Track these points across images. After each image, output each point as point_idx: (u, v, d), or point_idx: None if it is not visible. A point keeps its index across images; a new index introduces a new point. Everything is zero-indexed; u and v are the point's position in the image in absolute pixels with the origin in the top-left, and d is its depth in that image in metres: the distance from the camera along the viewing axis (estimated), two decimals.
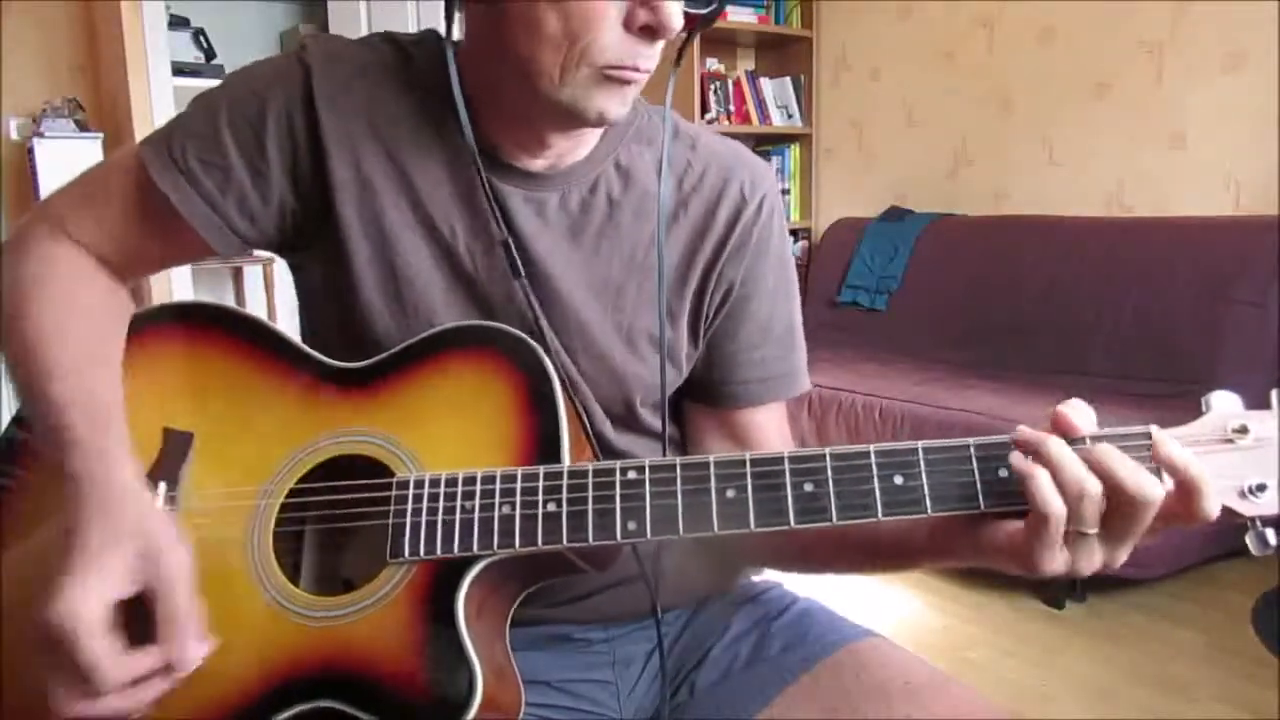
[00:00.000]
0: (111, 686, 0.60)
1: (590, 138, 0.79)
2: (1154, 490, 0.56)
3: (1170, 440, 0.58)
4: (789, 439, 0.89)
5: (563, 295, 0.77)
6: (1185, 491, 0.57)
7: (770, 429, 0.87)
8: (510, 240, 0.74)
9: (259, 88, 0.75)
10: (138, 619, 0.62)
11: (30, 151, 2.94)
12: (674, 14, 0.65)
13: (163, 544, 0.63)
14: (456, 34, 0.74)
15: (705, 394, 0.85)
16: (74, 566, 0.61)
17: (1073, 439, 0.59)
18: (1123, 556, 0.59)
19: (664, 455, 0.81)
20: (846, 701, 0.75)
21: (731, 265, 0.82)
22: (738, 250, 0.81)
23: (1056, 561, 0.58)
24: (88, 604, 0.59)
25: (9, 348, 0.73)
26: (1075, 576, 0.60)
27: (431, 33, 0.79)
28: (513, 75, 0.70)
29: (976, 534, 0.63)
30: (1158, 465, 0.58)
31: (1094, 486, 0.56)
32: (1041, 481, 0.57)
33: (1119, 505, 0.57)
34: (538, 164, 0.77)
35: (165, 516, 0.65)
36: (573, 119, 0.71)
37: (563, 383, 0.69)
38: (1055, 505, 0.56)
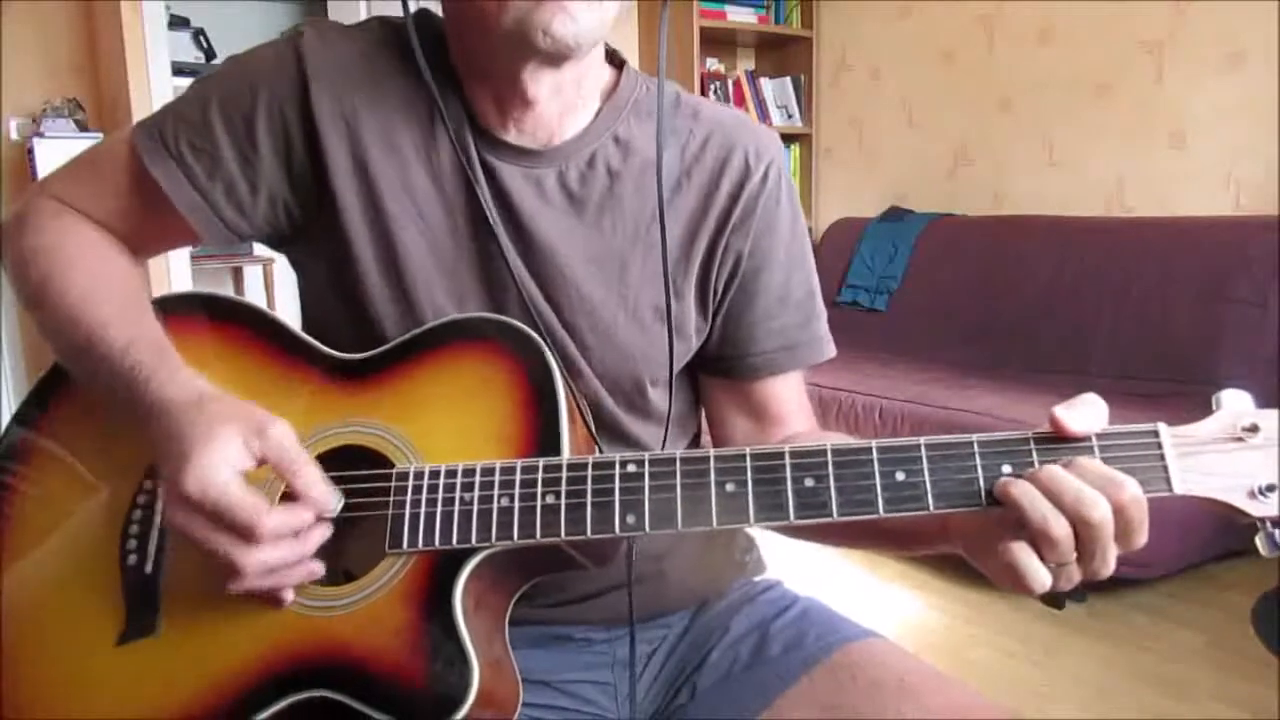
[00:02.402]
0: (271, 531, 0.60)
1: (578, 103, 0.78)
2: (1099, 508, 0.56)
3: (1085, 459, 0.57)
4: (809, 409, 0.88)
5: (565, 272, 0.77)
6: (1116, 503, 0.56)
7: (791, 399, 0.86)
8: (502, 241, 0.73)
9: (252, 75, 0.75)
10: None
11: (30, 151, 2.94)
12: None
13: (263, 418, 0.64)
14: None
15: (725, 368, 0.85)
16: (191, 451, 0.61)
17: (1077, 441, 0.59)
18: (1107, 568, 0.58)
19: (665, 434, 0.82)
20: (846, 701, 0.75)
21: (738, 236, 0.81)
22: (743, 221, 0.81)
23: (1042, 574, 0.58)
24: (219, 470, 0.60)
25: (47, 313, 0.73)
26: (1059, 590, 0.59)
27: (423, 13, 0.79)
28: (470, 23, 0.71)
29: (976, 540, 0.63)
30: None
31: (1061, 529, 0.56)
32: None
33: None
34: (529, 137, 0.77)
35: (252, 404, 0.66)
36: (528, 46, 0.69)
37: (563, 374, 0.69)
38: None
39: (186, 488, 0.60)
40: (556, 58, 0.70)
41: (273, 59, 0.75)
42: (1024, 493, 0.57)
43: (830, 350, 0.87)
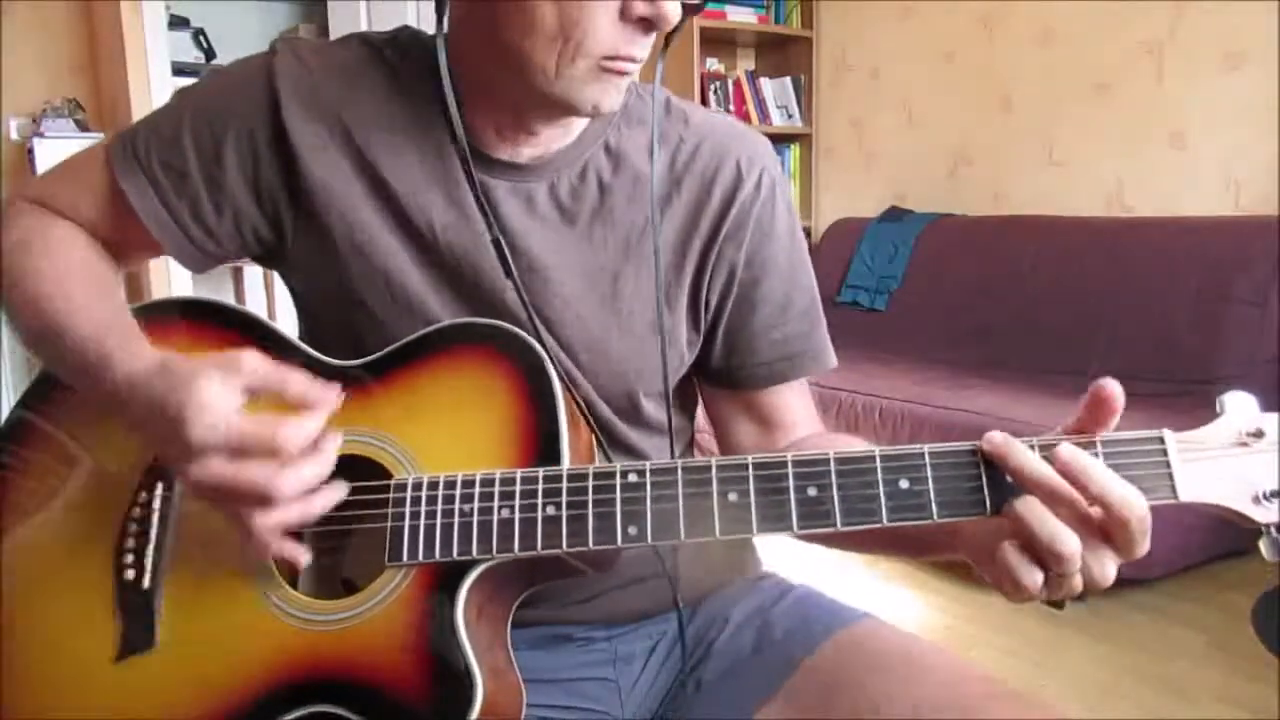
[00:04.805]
0: (296, 441, 0.59)
1: (578, 123, 0.78)
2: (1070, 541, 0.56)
3: (1068, 450, 0.57)
4: (815, 416, 0.88)
5: (557, 287, 0.77)
6: (1103, 505, 0.57)
7: (798, 407, 0.86)
8: (500, 239, 0.73)
9: (225, 96, 0.75)
10: None
11: (30, 151, 2.94)
12: (671, 4, 0.65)
13: (228, 354, 0.62)
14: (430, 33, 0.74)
15: (727, 378, 0.85)
16: (180, 408, 0.60)
17: (1084, 443, 0.58)
18: (1106, 578, 0.58)
19: (671, 448, 0.81)
20: (853, 678, 0.75)
21: (731, 246, 0.80)
22: (737, 230, 0.80)
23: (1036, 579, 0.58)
24: (216, 408, 0.59)
25: (19, 309, 0.73)
26: (1055, 598, 0.60)
27: (406, 30, 0.78)
28: (504, 68, 0.70)
29: (987, 544, 0.63)
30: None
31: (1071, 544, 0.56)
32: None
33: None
34: (524, 154, 0.77)
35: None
36: (566, 111, 0.71)
37: (561, 379, 0.69)
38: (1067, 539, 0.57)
39: (195, 437, 0.59)
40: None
41: (245, 81, 0.75)
42: (1029, 509, 0.57)
43: (832, 360, 0.87)
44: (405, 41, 0.77)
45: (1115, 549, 0.57)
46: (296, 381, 0.62)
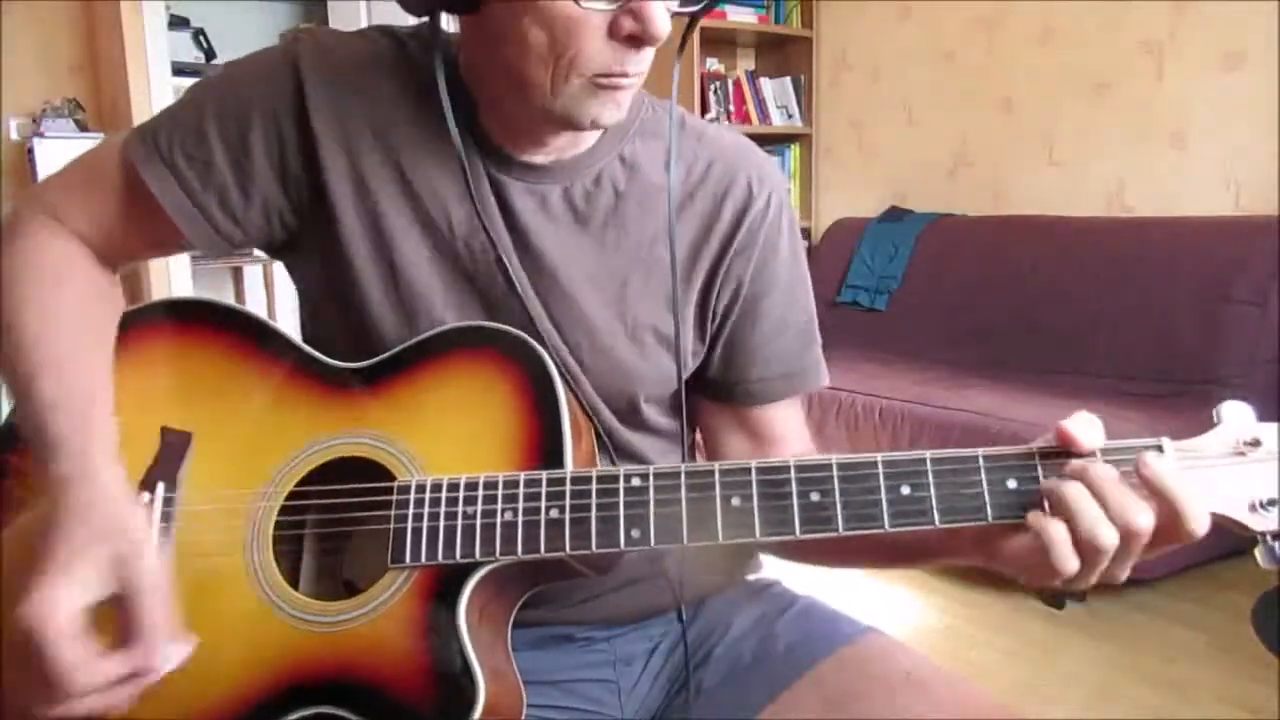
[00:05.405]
0: (80, 691, 0.58)
1: (589, 134, 0.78)
2: (1143, 520, 0.57)
3: (1156, 460, 0.58)
4: (806, 433, 0.89)
5: (566, 288, 0.77)
6: (1171, 513, 0.57)
7: (789, 424, 0.87)
8: (496, 244, 0.73)
9: (248, 84, 0.75)
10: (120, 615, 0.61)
11: (30, 151, 2.94)
12: (660, 20, 0.64)
13: (138, 548, 0.61)
14: (452, 30, 0.74)
15: (722, 392, 0.85)
16: (47, 569, 0.59)
17: (1080, 454, 0.59)
18: (1123, 573, 0.59)
19: (683, 453, 0.82)
20: (852, 696, 0.75)
21: (739, 263, 0.81)
22: (745, 248, 0.81)
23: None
24: (58, 608, 0.58)
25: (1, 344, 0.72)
26: (1076, 590, 0.60)
27: (429, 25, 0.79)
28: (506, 85, 0.70)
29: (987, 542, 0.63)
30: (1146, 488, 0.58)
31: (1110, 538, 0.57)
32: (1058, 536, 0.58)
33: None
34: (539, 158, 0.77)
35: (144, 520, 0.64)
36: (567, 125, 0.71)
37: (566, 383, 0.69)
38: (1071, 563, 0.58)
39: (26, 615, 0.58)
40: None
41: (269, 68, 0.75)
42: (1076, 495, 0.57)
43: (824, 379, 0.88)
44: (428, 38, 0.77)
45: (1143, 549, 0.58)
46: (151, 624, 0.60)
